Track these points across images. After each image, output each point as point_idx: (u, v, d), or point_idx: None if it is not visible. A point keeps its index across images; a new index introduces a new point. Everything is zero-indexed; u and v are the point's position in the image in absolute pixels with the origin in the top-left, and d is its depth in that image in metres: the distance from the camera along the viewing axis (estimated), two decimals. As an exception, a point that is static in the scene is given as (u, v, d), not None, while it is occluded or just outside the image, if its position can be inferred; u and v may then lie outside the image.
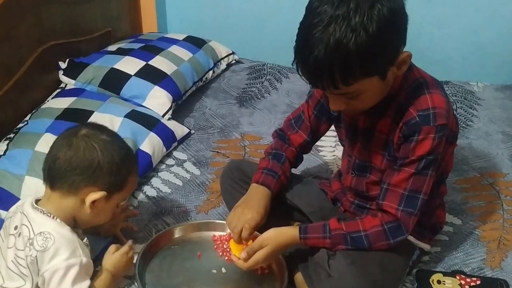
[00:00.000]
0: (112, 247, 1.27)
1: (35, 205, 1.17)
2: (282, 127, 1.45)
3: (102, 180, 1.17)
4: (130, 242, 1.31)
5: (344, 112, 1.21)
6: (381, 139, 1.20)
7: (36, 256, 1.11)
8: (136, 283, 1.29)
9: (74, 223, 1.21)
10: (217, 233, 1.44)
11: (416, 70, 1.19)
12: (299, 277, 1.30)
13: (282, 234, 1.22)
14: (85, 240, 1.22)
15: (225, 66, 2.39)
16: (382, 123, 1.19)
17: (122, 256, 1.26)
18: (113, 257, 1.25)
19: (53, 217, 1.15)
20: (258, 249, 1.20)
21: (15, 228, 1.16)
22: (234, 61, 2.46)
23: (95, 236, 1.38)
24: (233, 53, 2.46)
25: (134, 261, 1.31)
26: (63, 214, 1.18)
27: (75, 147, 1.15)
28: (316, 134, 1.41)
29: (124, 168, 1.20)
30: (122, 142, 1.24)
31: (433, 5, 2.33)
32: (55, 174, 1.17)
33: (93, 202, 1.17)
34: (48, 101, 1.88)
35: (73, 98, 1.85)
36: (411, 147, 1.13)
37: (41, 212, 1.15)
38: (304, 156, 1.48)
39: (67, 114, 1.75)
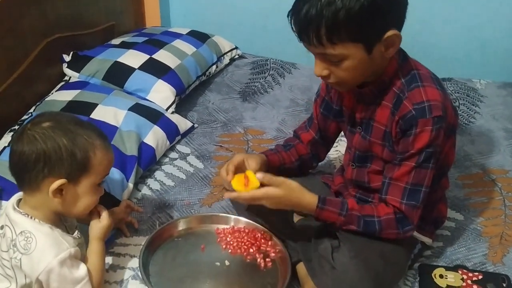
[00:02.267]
0: (96, 216, 1.24)
1: (16, 207, 1.15)
2: (296, 128, 1.50)
3: (57, 168, 1.10)
4: (100, 206, 1.26)
5: (330, 84, 1.21)
6: (379, 129, 1.21)
7: (20, 259, 1.10)
8: (140, 274, 1.29)
9: (58, 218, 1.19)
10: (221, 226, 1.45)
11: (412, 62, 1.20)
12: (302, 270, 1.30)
13: (302, 193, 1.20)
14: (75, 234, 1.21)
15: (228, 61, 2.40)
16: (380, 113, 1.20)
17: (108, 221, 1.24)
18: (102, 225, 1.23)
19: (31, 218, 1.13)
20: (274, 185, 1.17)
21: (1, 228, 1.15)
22: (237, 56, 2.46)
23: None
24: (236, 48, 2.46)
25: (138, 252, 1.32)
26: (40, 213, 1.15)
27: (21, 143, 1.10)
28: (325, 133, 1.42)
29: (78, 149, 1.11)
30: (71, 123, 1.14)
31: (437, 2, 2.33)
32: (14, 174, 1.15)
33: (60, 191, 1.12)
34: (52, 93, 1.88)
35: (77, 91, 1.85)
36: (409, 141, 1.14)
37: (19, 213, 1.14)
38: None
39: (72, 106, 1.75)
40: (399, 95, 1.16)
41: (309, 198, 1.20)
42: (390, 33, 1.08)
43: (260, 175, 1.18)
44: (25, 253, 1.09)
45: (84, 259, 1.22)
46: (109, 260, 1.35)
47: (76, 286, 1.14)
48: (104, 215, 1.25)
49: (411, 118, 1.13)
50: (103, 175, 1.18)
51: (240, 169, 1.25)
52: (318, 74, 1.16)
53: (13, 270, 1.12)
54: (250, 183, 1.18)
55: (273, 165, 1.36)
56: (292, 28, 1.12)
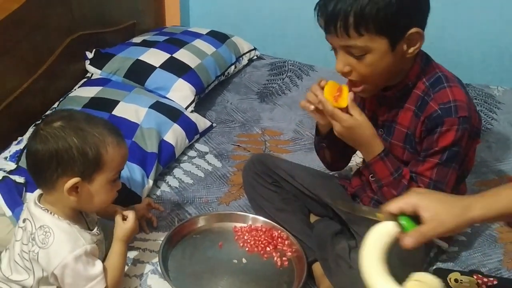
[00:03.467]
0: (119, 217, 1.26)
1: (37, 201, 1.17)
2: None
3: (70, 167, 1.11)
4: (118, 209, 1.29)
5: (352, 82, 1.20)
6: (401, 132, 1.23)
7: (38, 252, 1.12)
8: (159, 269, 1.32)
9: (77, 214, 1.20)
10: (238, 224, 1.47)
11: (436, 65, 1.22)
12: (318, 269, 1.32)
13: (373, 135, 1.19)
14: (95, 230, 1.22)
15: (247, 61, 2.42)
16: (402, 116, 1.22)
17: (133, 224, 1.26)
18: (126, 226, 1.25)
19: (50, 213, 1.15)
20: (356, 114, 1.16)
21: (23, 221, 1.18)
22: (255, 57, 2.48)
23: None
24: (254, 49, 2.48)
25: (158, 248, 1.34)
26: (59, 209, 1.16)
27: (34, 142, 1.12)
28: None
29: (89, 147, 1.11)
30: (81, 122, 1.14)
31: (456, 8, 2.33)
32: (31, 173, 1.17)
33: (76, 189, 1.13)
34: (75, 89, 1.92)
35: (99, 88, 1.89)
36: (434, 138, 1.16)
37: (40, 208, 1.16)
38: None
39: (94, 102, 1.79)
40: (424, 97, 1.18)
41: (377, 143, 1.20)
42: (413, 30, 1.10)
43: (351, 96, 1.16)
44: (43, 247, 1.11)
45: (102, 255, 1.24)
46: (129, 254, 1.37)
47: (89, 283, 1.15)
48: (131, 218, 1.26)
49: (437, 117, 1.14)
50: (117, 170, 1.19)
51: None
52: (339, 70, 1.17)
53: (31, 263, 1.14)
54: (340, 99, 1.16)
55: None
56: (317, 20, 1.15)
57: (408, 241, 0.89)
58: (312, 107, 1.23)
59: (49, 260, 1.11)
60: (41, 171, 1.13)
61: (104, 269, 1.19)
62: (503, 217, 0.98)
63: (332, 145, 1.38)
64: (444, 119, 1.14)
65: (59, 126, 1.11)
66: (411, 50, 1.14)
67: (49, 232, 1.12)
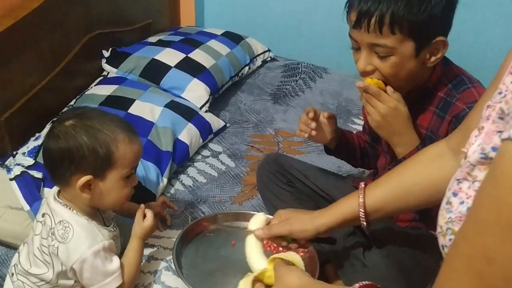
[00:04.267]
0: (140, 214, 1.28)
1: (56, 197, 1.19)
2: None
3: (81, 165, 1.12)
4: (143, 206, 1.31)
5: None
6: (420, 133, 1.23)
7: (58, 247, 1.13)
8: (173, 266, 1.34)
9: (93, 210, 1.21)
10: (251, 224, 1.48)
11: (456, 67, 1.23)
12: (330, 269, 1.33)
13: (412, 127, 1.19)
14: (111, 226, 1.23)
15: (261, 62, 2.44)
16: (422, 117, 1.22)
17: (152, 222, 1.28)
18: (145, 225, 1.27)
19: (69, 208, 1.17)
20: (402, 102, 1.18)
21: (42, 215, 1.19)
22: (269, 58, 2.50)
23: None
24: (268, 50, 2.50)
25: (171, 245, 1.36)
26: (76, 205, 1.18)
27: (48, 140, 1.14)
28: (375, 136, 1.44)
29: (100, 145, 1.12)
30: (93, 119, 1.15)
31: (471, 11, 2.33)
32: (47, 170, 1.19)
33: (89, 187, 1.14)
34: (91, 87, 1.94)
35: (115, 86, 1.91)
36: None
37: (59, 203, 1.17)
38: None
39: (110, 100, 1.82)
40: (446, 98, 1.18)
41: (415, 135, 1.19)
42: (440, 38, 1.11)
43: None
44: (63, 242, 1.13)
45: (118, 251, 1.26)
46: (144, 251, 1.38)
47: (106, 278, 1.17)
48: (149, 216, 1.28)
49: (465, 116, 1.14)
50: (130, 167, 1.18)
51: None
52: (361, 69, 1.17)
53: (51, 257, 1.15)
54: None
55: (345, 140, 1.44)
56: (347, 13, 1.15)
57: (259, 232, 1.12)
58: (307, 134, 1.33)
59: (68, 255, 1.13)
60: (55, 169, 1.16)
61: (121, 265, 1.21)
62: (345, 224, 1.09)
63: (358, 153, 1.46)
64: None
65: (70, 125, 1.13)
66: (432, 59, 1.14)
67: (69, 227, 1.14)
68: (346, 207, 1.07)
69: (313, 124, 1.31)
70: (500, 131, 0.59)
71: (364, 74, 1.18)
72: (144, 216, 1.29)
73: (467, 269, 0.52)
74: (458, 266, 0.53)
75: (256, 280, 1.03)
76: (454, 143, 0.92)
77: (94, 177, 1.13)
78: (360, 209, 1.04)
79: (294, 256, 1.04)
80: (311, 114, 1.30)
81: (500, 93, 0.60)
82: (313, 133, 1.31)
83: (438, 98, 1.19)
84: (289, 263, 1.01)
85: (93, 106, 1.74)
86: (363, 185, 1.08)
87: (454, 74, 1.20)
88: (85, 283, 1.16)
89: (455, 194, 0.66)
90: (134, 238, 1.26)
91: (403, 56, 1.12)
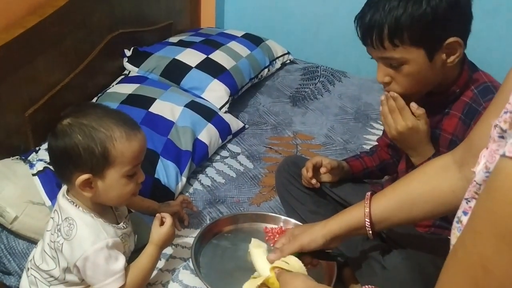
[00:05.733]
0: (157, 221, 1.26)
1: (65, 194, 1.18)
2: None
3: (79, 164, 1.10)
4: (158, 215, 1.28)
5: (392, 90, 1.22)
6: (446, 138, 1.23)
7: (62, 244, 1.13)
8: (191, 265, 1.35)
9: (100, 207, 1.19)
10: (269, 225, 1.48)
11: (484, 74, 1.22)
12: (347, 273, 1.33)
13: (427, 139, 1.21)
14: (121, 224, 1.21)
15: (280, 65, 2.44)
16: (447, 122, 1.22)
17: (169, 229, 1.25)
18: (161, 231, 1.24)
19: (75, 205, 1.16)
20: (422, 118, 1.21)
21: (54, 212, 1.20)
22: (288, 61, 2.50)
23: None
24: (288, 53, 2.50)
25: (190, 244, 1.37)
26: (83, 202, 1.17)
27: (49, 138, 1.13)
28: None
29: (95, 143, 1.09)
30: (89, 117, 1.12)
31: (492, 18, 2.31)
32: (53, 169, 1.19)
33: (90, 185, 1.12)
34: (113, 86, 1.96)
35: (136, 85, 1.93)
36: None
37: (67, 200, 1.17)
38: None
39: (131, 99, 1.83)
40: (472, 104, 1.17)
41: (429, 147, 1.21)
42: (451, 39, 1.11)
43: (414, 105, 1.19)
44: (67, 239, 1.13)
45: (130, 249, 1.25)
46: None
47: (108, 278, 1.14)
48: (167, 223, 1.26)
49: None
50: (132, 164, 1.14)
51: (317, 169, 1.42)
52: (380, 81, 1.19)
53: (56, 253, 1.15)
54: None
55: (356, 170, 1.48)
56: (357, 33, 1.18)
57: (271, 256, 1.09)
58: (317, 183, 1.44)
59: (71, 252, 1.12)
60: (58, 167, 1.17)
61: (129, 267, 1.19)
62: (351, 232, 1.10)
63: (377, 173, 1.52)
64: None
65: (67, 124, 1.11)
66: (451, 59, 1.14)
67: (73, 225, 1.13)
68: (352, 216, 1.08)
69: (314, 181, 1.42)
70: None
71: (384, 85, 1.20)
72: (162, 223, 1.26)
73: (464, 277, 0.55)
74: (456, 273, 0.57)
75: (263, 285, 1.05)
76: (458, 156, 0.94)
77: (93, 175, 1.11)
78: (366, 219, 1.05)
79: (296, 263, 1.05)
80: (309, 174, 1.40)
81: (506, 112, 0.61)
82: (317, 185, 1.43)
83: (464, 103, 1.19)
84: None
85: (113, 104, 1.76)
86: (369, 195, 1.09)
87: (481, 80, 1.20)
88: (88, 281, 1.16)
89: (465, 213, 0.69)
90: (150, 244, 1.24)
91: (416, 64, 1.13)
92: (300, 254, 1.11)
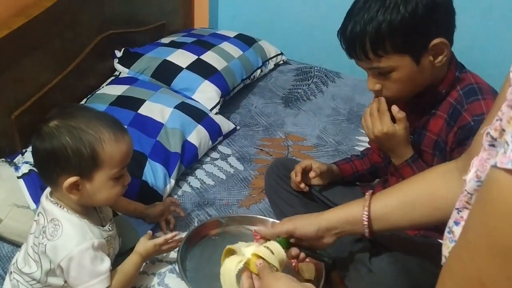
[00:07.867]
0: (148, 234, 1.29)
1: (48, 196, 1.17)
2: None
3: (66, 166, 1.09)
4: (169, 235, 1.30)
5: (384, 96, 1.22)
6: (431, 139, 1.22)
7: (46, 244, 1.11)
8: (177, 268, 1.33)
9: (86, 209, 1.18)
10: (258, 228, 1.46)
11: (471, 75, 1.21)
12: (336, 276, 1.31)
13: (405, 142, 1.22)
14: (107, 226, 1.21)
15: (273, 66, 2.43)
16: (433, 123, 1.21)
17: (153, 246, 1.26)
18: (146, 244, 1.26)
19: (60, 206, 1.15)
20: (402, 123, 1.21)
21: (37, 215, 1.18)
22: (282, 62, 2.49)
23: (140, 220, 1.44)
24: (281, 53, 2.49)
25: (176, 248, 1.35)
26: (67, 204, 1.16)
27: (34, 140, 1.12)
28: None
29: (83, 145, 1.08)
30: (77, 120, 1.11)
31: (488, 18, 2.30)
32: (37, 171, 1.18)
33: (77, 187, 1.11)
34: (102, 87, 1.95)
35: (126, 86, 1.91)
36: (465, 150, 1.14)
37: (50, 201, 1.16)
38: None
39: (121, 100, 1.81)
40: (456, 106, 1.17)
41: (408, 150, 1.22)
42: (436, 41, 1.10)
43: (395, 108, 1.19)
44: (51, 239, 1.11)
45: (114, 252, 1.24)
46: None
47: (92, 279, 1.13)
48: (158, 240, 1.27)
49: (470, 129, 1.13)
50: (119, 166, 1.14)
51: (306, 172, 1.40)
52: (371, 89, 1.20)
53: (39, 256, 1.14)
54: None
55: (346, 173, 1.46)
56: (342, 46, 1.17)
57: (262, 229, 1.14)
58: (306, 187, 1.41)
59: (56, 252, 1.11)
60: (43, 169, 1.15)
61: (115, 271, 1.19)
62: (347, 225, 1.08)
63: (368, 177, 1.51)
64: (476, 131, 1.12)
65: (54, 126, 1.10)
66: (439, 59, 1.13)
67: (58, 225, 1.12)
68: (351, 210, 1.07)
69: (303, 185, 1.40)
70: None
71: (375, 92, 1.20)
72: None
73: None
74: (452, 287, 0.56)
75: (245, 269, 1.03)
76: (461, 164, 0.93)
77: (81, 177, 1.11)
78: (364, 212, 1.04)
79: (279, 251, 1.04)
80: (298, 178, 1.39)
81: (497, 120, 0.60)
82: (306, 189, 1.41)
83: (449, 104, 1.18)
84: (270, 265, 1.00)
85: (102, 106, 1.74)
86: (370, 191, 1.08)
87: (468, 81, 1.19)
88: (71, 283, 1.14)
89: (456, 223, 0.68)
90: (135, 252, 1.25)
91: (404, 69, 1.12)
92: (289, 245, 1.10)
